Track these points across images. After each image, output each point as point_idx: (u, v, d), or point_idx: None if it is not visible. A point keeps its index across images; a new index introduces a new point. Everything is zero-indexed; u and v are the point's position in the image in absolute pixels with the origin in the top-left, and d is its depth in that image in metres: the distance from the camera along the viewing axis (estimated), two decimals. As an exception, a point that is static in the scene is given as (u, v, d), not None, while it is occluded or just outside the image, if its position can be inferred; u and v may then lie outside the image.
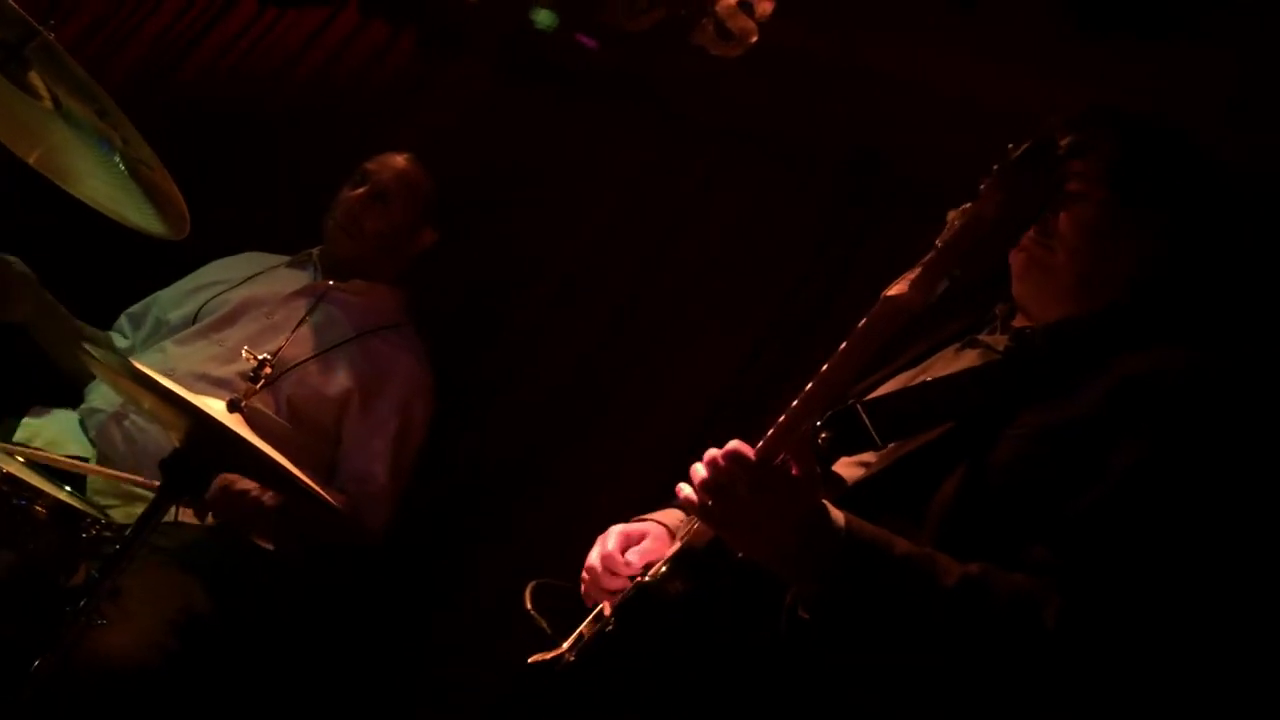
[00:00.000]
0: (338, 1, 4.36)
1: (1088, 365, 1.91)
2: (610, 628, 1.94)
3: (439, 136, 4.08)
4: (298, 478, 2.37)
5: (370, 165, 3.60)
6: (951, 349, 2.18)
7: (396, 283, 3.61)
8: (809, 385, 1.75)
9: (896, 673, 1.79)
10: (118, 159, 2.46)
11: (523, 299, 3.87)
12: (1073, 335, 2.00)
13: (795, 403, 1.76)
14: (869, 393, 2.08)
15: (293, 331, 3.05)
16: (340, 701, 3.37)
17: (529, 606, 2.19)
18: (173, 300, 3.54)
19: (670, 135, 3.91)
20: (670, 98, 3.88)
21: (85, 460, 3.06)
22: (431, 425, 3.41)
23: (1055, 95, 2.86)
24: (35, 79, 2.34)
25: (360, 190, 3.55)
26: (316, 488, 2.43)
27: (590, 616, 2.07)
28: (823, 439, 1.86)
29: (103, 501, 2.90)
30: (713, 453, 1.77)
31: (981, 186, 1.66)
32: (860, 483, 1.92)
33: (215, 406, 2.32)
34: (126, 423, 3.12)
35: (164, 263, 3.52)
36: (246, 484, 2.84)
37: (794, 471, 1.74)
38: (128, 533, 2.28)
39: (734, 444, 1.76)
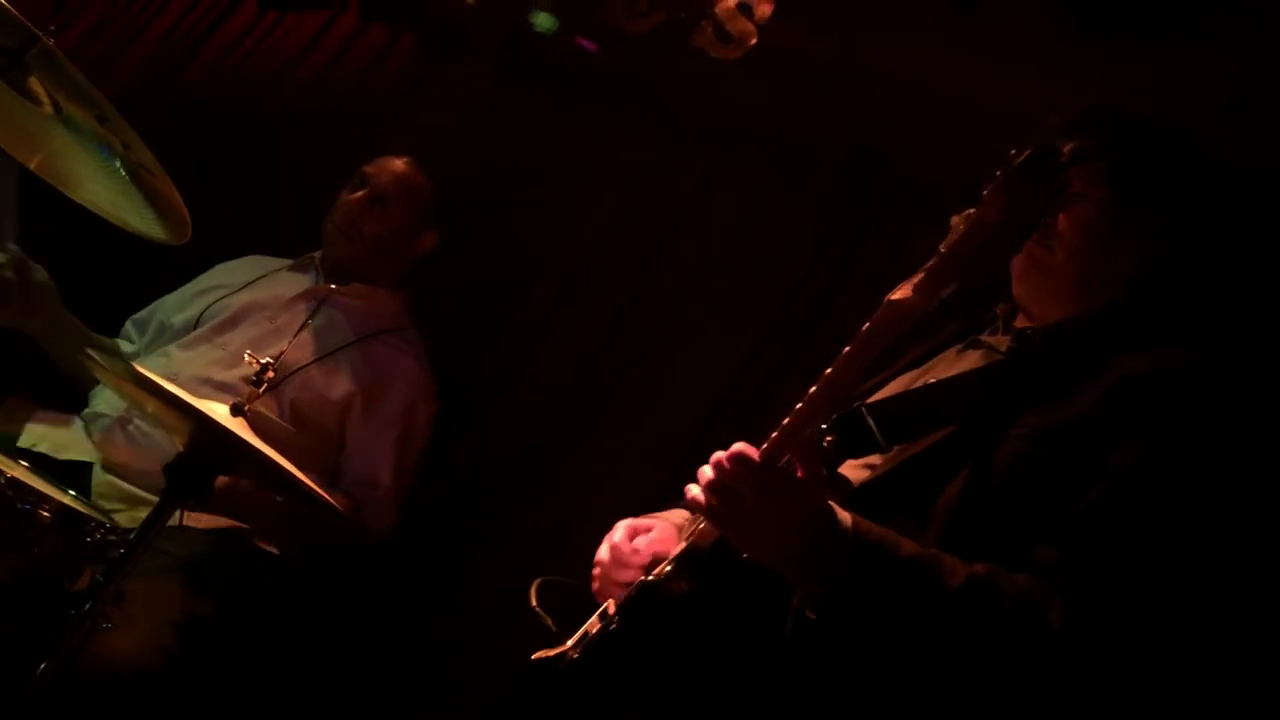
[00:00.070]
0: (338, 4, 4.36)
1: (1088, 365, 1.92)
2: (614, 626, 1.95)
3: (439, 138, 4.08)
4: (301, 481, 2.38)
5: (369, 169, 3.60)
6: (954, 350, 2.19)
7: (397, 286, 3.61)
8: (813, 388, 1.76)
9: (900, 674, 1.80)
10: (118, 164, 2.46)
11: (523, 299, 3.87)
12: (1073, 336, 2.00)
13: (799, 405, 1.76)
14: (871, 394, 2.09)
15: (295, 335, 3.05)
16: (340, 701, 3.37)
17: (534, 603, 2.20)
18: (176, 305, 3.54)
19: (670, 136, 3.91)
20: (670, 98, 3.89)
21: (89, 465, 3.07)
22: (435, 427, 3.41)
23: (1055, 95, 2.86)
24: (36, 85, 2.33)
25: (359, 194, 3.55)
26: (320, 491, 2.43)
27: (595, 615, 2.07)
28: (828, 442, 1.86)
29: (107, 505, 2.89)
30: (718, 455, 1.78)
31: (984, 192, 1.66)
32: (865, 485, 1.93)
33: (218, 410, 2.32)
34: (130, 427, 3.12)
35: (166, 267, 3.52)
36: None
37: (799, 473, 1.74)
38: (132, 537, 2.27)
39: (739, 446, 1.77)
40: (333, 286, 3.33)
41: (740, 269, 3.66)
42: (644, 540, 2.13)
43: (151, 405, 2.44)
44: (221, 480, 2.68)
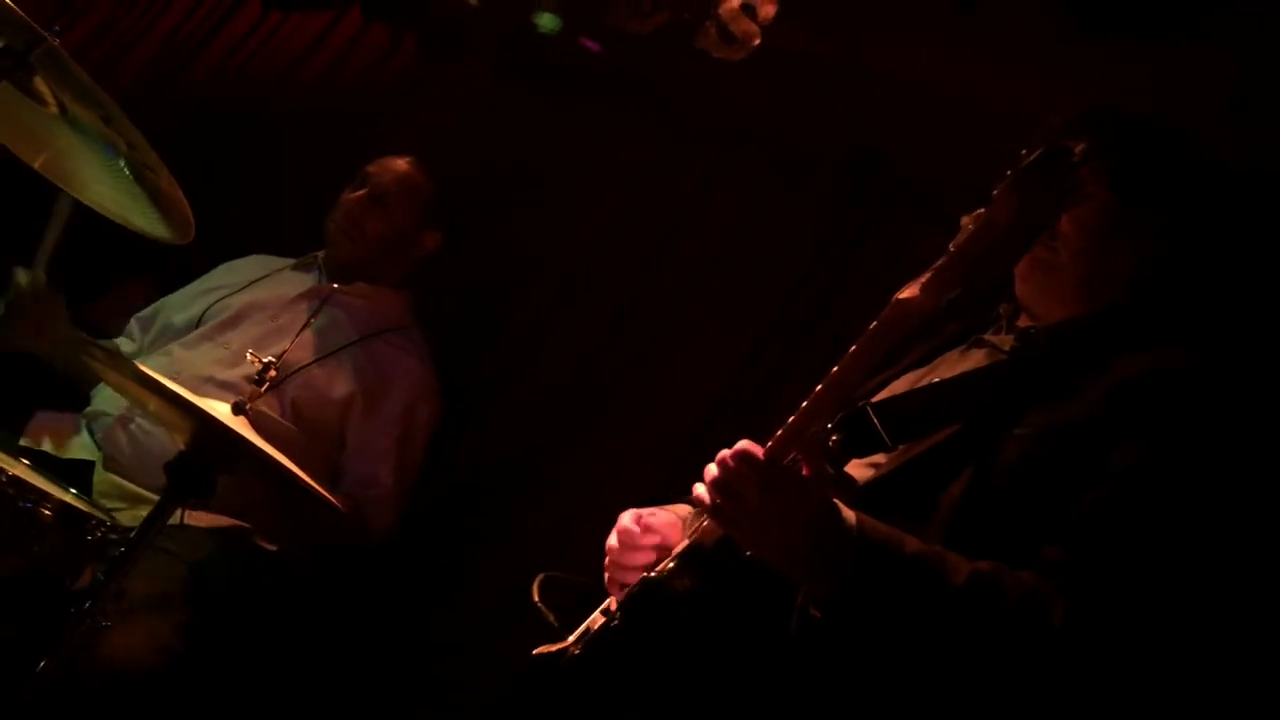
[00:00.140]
0: (341, 5, 4.36)
1: (1090, 365, 1.92)
2: (616, 622, 1.95)
3: (441, 137, 4.08)
4: (302, 480, 2.38)
5: (371, 168, 3.61)
6: (958, 350, 2.19)
7: (401, 286, 3.61)
8: (819, 387, 1.76)
9: (902, 673, 1.80)
10: (123, 164, 2.46)
11: (523, 299, 3.87)
12: (1075, 335, 2.01)
13: (805, 404, 1.77)
14: (875, 393, 2.09)
15: (297, 335, 3.05)
16: (340, 701, 3.37)
17: (536, 599, 2.19)
18: (180, 304, 3.54)
19: (670, 135, 3.91)
20: (670, 98, 3.89)
21: (91, 464, 3.07)
22: (438, 426, 3.42)
23: (1055, 95, 2.86)
24: (41, 85, 2.33)
25: (360, 193, 3.56)
26: (321, 490, 2.44)
27: (597, 610, 2.08)
28: (834, 441, 1.86)
29: (109, 504, 2.90)
30: (723, 453, 1.78)
31: (994, 192, 1.66)
32: (870, 483, 1.93)
33: (220, 409, 2.32)
34: (132, 426, 3.12)
35: (169, 266, 3.52)
36: None
37: (804, 471, 1.74)
38: (133, 535, 2.28)
39: (743, 444, 1.77)
40: (335, 286, 3.33)
41: (740, 269, 3.66)
42: (653, 520, 2.13)
43: (153, 404, 2.44)
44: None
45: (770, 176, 3.74)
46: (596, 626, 2.02)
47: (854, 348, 1.74)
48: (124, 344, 3.54)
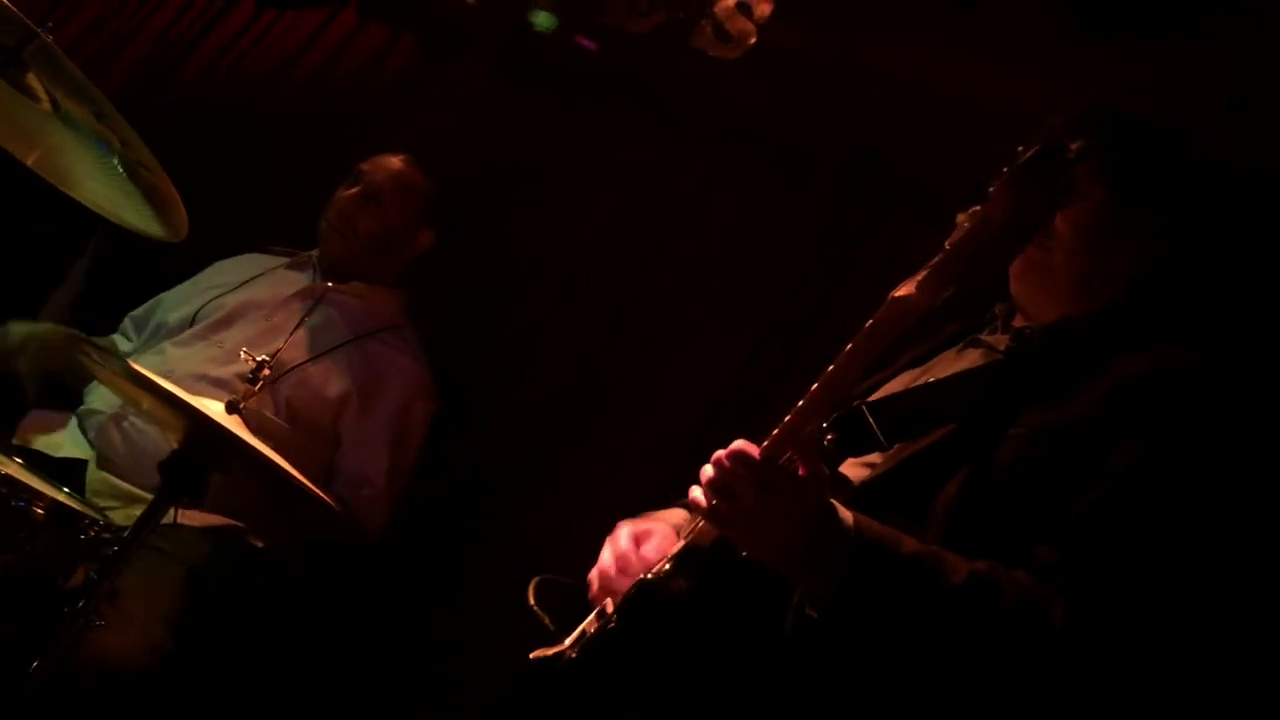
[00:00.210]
0: (336, 3, 4.36)
1: (1088, 365, 1.92)
2: (613, 625, 1.94)
3: (438, 137, 4.08)
4: (295, 478, 2.37)
5: (365, 166, 3.60)
6: (953, 349, 2.19)
7: (395, 285, 3.60)
8: (814, 385, 1.75)
9: (900, 673, 1.79)
10: (116, 161, 2.45)
11: (523, 299, 3.87)
12: (1072, 335, 2.00)
13: (800, 403, 1.76)
14: (871, 393, 2.09)
15: (291, 333, 3.04)
16: (340, 701, 3.36)
17: (532, 602, 2.18)
18: (173, 303, 3.53)
19: (670, 135, 3.91)
20: (670, 98, 3.88)
21: (84, 462, 3.06)
22: (432, 426, 3.40)
23: (1055, 95, 2.86)
24: (34, 81, 2.32)
25: (353, 191, 3.55)
26: (314, 488, 2.43)
27: (593, 614, 2.06)
28: (829, 440, 1.86)
29: (102, 503, 2.89)
30: (719, 453, 1.77)
31: (990, 189, 1.65)
32: (866, 483, 1.92)
33: (214, 408, 2.32)
34: (125, 424, 3.11)
35: (164, 264, 3.52)
36: None
37: (800, 471, 1.73)
38: (126, 534, 2.28)
39: (739, 444, 1.77)
40: (329, 285, 3.32)
41: (740, 269, 3.66)
42: (649, 548, 2.11)
43: (146, 402, 2.44)
44: None
45: (770, 176, 3.74)
46: (593, 630, 2.01)
47: (850, 346, 1.73)
48: (119, 342, 3.53)
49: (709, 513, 1.79)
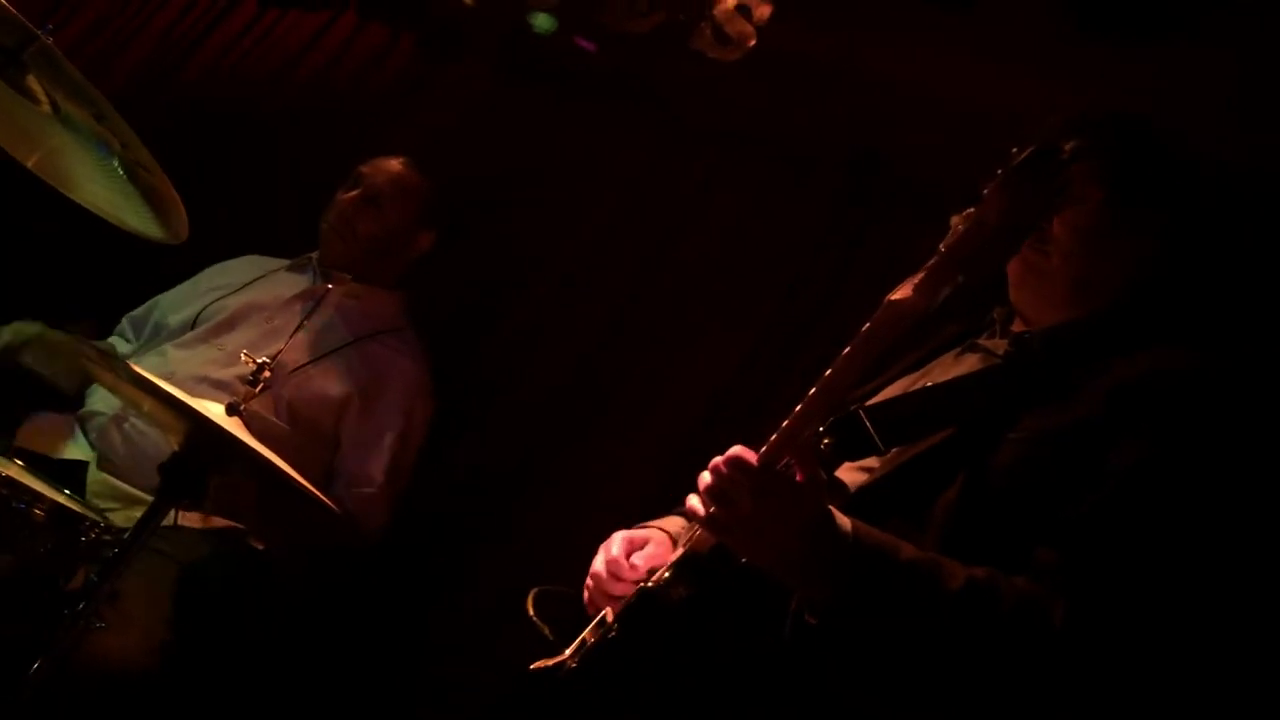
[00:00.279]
0: (337, 3, 4.36)
1: (1087, 368, 1.91)
2: (613, 633, 1.94)
3: (438, 137, 4.08)
4: (295, 480, 2.37)
5: (364, 168, 3.61)
6: (951, 354, 2.18)
7: (395, 286, 3.61)
8: (812, 390, 1.75)
9: (899, 678, 1.79)
10: (116, 163, 2.45)
11: (523, 299, 3.87)
12: (1070, 339, 2.00)
13: (798, 407, 1.76)
14: (869, 397, 2.08)
15: (291, 335, 3.04)
16: (340, 701, 3.36)
17: (531, 613, 2.18)
18: (173, 304, 3.54)
19: (669, 137, 3.91)
20: (669, 99, 3.88)
21: (85, 464, 3.06)
22: (431, 427, 3.41)
23: (1055, 96, 2.86)
24: (34, 83, 2.32)
25: (353, 193, 3.56)
26: (314, 490, 2.43)
27: (594, 623, 2.06)
28: (826, 445, 1.85)
29: (103, 505, 2.90)
30: (716, 460, 1.77)
31: (984, 191, 1.65)
32: (864, 488, 1.92)
33: (214, 409, 2.32)
34: (126, 426, 3.11)
35: (164, 266, 3.52)
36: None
37: (798, 477, 1.73)
38: (126, 536, 2.28)
39: (736, 450, 1.76)
40: (329, 286, 3.33)
41: (740, 270, 3.66)
42: (640, 557, 2.11)
43: (147, 404, 2.44)
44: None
45: (770, 178, 3.75)
46: (593, 639, 2.00)
47: (846, 350, 1.72)
48: (118, 344, 3.53)
49: (707, 520, 1.79)
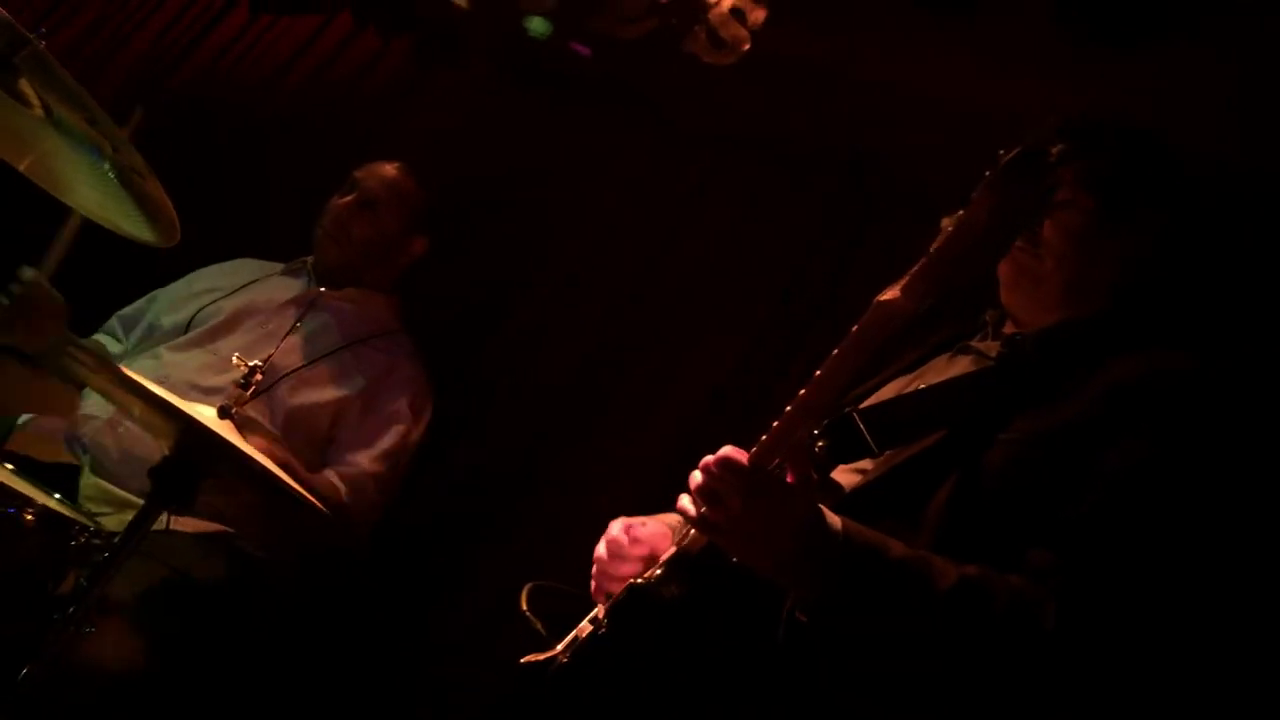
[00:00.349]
0: (331, 8, 4.36)
1: (1080, 370, 1.91)
2: (603, 630, 1.95)
3: (432, 142, 4.09)
4: (287, 484, 2.37)
5: (359, 173, 3.60)
6: (944, 356, 2.19)
7: (390, 291, 3.61)
8: (802, 391, 1.75)
9: (891, 678, 1.78)
10: (108, 167, 2.45)
11: (522, 300, 3.87)
12: (1063, 341, 2.00)
13: (789, 408, 1.75)
14: (862, 399, 2.09)
15: (283, 339, 3.04)
16: (339, 702, 3.37)
17: (525, 608, 2.19)
18: (165, 305, 3.53)
19: (666, 141, 3.92)
20: (665, 103, 3.89)
21: (77, 468, 3.06)
22: (430, 428, 3.40)
23: (1055, 97, 2.86)
24: (26, 87, 2.32)
25: (348, 198, 3.56)
26: (305, 494, 2.43)
27: (585, 619, 2.07)
28: (819, 447, 1.85)
29: (95, 509, 2.90)
30: (706, 459, 1.76)
31: (973, 194, 1.64)
32: (857, 490, 1.92)
33: (206, 413, 2.31)
34: (120, 429, 3.10)
35: (155, 269, 3.52)
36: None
37: (789, 478, 1.73)
38: (117, 540, 2.27)
39: (726, 450, 1.76)
40: (324, 290, 3.32)
41: (738, 271, 3.67)
42: (642, 532, 2.12)
43: (138, 408, 2.43)
44: None
45: (766, 181, 3.76)
46: (585, 635, 2.01)
47: (836, 351, 1.72)
48: (107, 343, 3.51)
49: (697, 520, 1.78)
